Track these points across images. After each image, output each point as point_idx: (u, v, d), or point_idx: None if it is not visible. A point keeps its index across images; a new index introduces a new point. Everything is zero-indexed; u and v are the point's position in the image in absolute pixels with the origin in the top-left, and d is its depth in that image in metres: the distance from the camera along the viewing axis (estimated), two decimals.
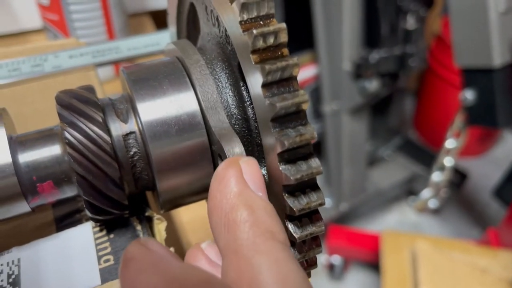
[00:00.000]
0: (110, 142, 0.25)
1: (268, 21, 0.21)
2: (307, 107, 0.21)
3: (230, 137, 0.24)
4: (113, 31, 0.69)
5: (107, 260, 0.27)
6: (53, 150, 0.25)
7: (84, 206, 0.26)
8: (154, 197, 0.30)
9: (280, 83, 0.21)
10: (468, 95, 0.92)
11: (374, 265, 1.25)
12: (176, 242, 0.55)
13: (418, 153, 1.47)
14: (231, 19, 0.22)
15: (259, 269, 0.18)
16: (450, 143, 1.13)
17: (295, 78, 0.21)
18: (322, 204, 0.22)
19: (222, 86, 0.26)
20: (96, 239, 0.28)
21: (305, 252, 0.22)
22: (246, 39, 0.21)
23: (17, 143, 0.25)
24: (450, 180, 1.27)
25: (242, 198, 0.20)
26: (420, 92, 1.73)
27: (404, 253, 1.06)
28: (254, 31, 0.21)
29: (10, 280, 0.26)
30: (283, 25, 0.21)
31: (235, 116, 0.26)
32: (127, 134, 0.26)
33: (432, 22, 1.53)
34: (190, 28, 0.32)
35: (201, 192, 0.28)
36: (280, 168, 0.21)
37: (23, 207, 0.25)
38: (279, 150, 0.21)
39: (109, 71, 0.72)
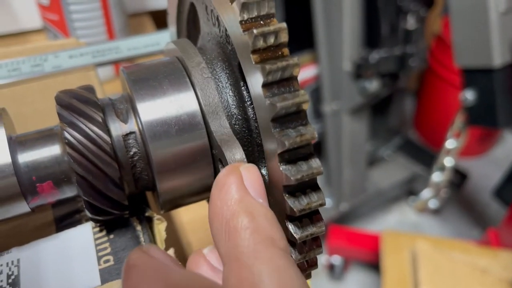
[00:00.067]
0: (110, 142, 0.24)
1: (268, 20, 0.21)
2: (307, 107, 0.21)
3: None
4: (113, 31, 0.69)
5: (107, 261, 0.27)
6: (53, 150, 0.25)
7: (84, 206, 0.26)
8: (154, 197, 0.30)
9: (280, 83, 0.21)
10: (468, 95, 0.92)
11: (374, 265, 1.25)
12: (176, 242, 0.55)
13: (418, 153, 1.47)
14: (231, 18, 0.22)
15: (260, 277, 0.18)
16: (450, 143, 1.13)
17: (295, 78, 0.21)
18: (322, 204, 0.22)
19: (222, 86, 0.26)
20: (96, 239, 0.28)
21: (305, 252, 0.22)
22: (246, 39, 0.21)
23: (16, 143, 0.25)
24: (450, 180, 1.27)
25: (242, 205, 0.20)
26: (420, 92, 1.73)
27: (404, 253, 1.06)
28: (255, 31, 0.20)
29: (10, 280, 0.26)
30: (284, 24, 0.21)
31: (235, 116, 0.26)
32: (127, 134, 0.26)
33: (432, 22, 1.53)
34: (190, 28, 0.32)
35: (201, 192, 0.28)
36: (281, 169, 0.21)
37: (22, 207, 0.25)
38: (279, 150, 0.21)
39: (109, 71, 0.72)
